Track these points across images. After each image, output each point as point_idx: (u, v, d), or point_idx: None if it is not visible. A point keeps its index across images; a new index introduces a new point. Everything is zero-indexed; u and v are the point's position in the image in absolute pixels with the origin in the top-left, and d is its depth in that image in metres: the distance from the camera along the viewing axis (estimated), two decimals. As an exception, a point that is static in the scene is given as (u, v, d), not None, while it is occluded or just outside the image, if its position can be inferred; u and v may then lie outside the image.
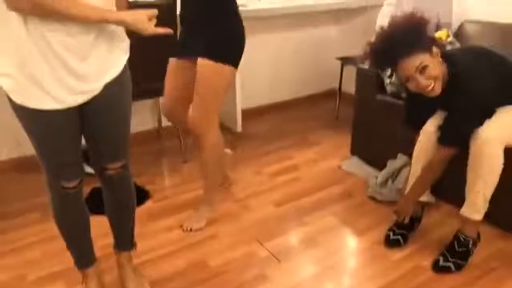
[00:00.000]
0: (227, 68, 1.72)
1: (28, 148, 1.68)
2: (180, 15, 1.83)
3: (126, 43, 1.24)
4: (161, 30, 1.18)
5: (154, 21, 1.16)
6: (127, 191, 1.41)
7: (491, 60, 1.60)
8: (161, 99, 1.96)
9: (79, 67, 1.10)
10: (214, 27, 1.71)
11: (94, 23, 1.08)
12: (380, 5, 2.62)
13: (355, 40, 3.25)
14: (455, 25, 2.51)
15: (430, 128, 1.69)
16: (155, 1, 2.08)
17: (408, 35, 1.50)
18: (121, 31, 1.21)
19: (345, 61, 3.12)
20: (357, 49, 3.12)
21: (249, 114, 3.20)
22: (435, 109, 1.72)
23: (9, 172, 2.43)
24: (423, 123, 1.73)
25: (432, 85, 1.51)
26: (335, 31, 3.53)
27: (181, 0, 1.81)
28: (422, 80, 1.49)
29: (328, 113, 3.36)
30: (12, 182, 2.34)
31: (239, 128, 3.00)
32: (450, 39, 2.19)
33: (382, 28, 1.60)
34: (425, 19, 1.56)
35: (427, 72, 1.49)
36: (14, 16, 1.01)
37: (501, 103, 1.61)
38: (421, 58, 1.49)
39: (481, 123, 1.54)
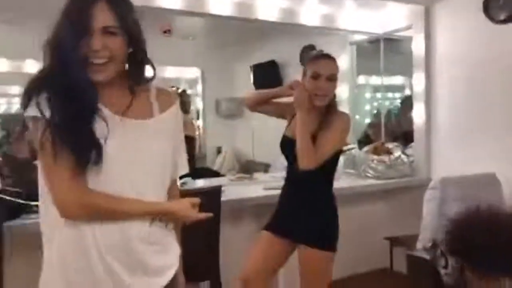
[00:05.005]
0: (331, 255, 1.88)
1: None
2: (281, 194, 2.02)
3: (178, 248, 1.23)
4: (203, 216, 1.19)
5: (197, 208, 1.18)
6: None
7: None
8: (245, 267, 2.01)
9: (130, 279, 1.07)
10: (316, 212, 1.90)
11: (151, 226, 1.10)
12: (426, 186, 2.60)
13: (402, 220, 3.17)
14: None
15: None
16: (203, 187, 2.22)
17: None
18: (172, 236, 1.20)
19: (394, 241, 2.99)
20: (404, 230, 3.05)
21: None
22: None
23: None
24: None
25: None
26: (381, 209, 3.49)
27: (285, 182, 2.03)
28: None
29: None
30: None
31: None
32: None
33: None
34: None
35: None
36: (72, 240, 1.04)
37: None
38: None
39: None
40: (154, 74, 1.17)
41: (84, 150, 0.99)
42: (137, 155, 1.07)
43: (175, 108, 1.20)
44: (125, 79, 1.12)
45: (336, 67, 1.91)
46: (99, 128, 1.02)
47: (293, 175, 1.97)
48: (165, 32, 3.91)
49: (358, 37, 3.84)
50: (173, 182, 1.22)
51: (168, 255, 1.17)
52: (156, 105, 1.15)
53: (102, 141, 1.01)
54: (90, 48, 1.01)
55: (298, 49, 4.39)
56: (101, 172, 1.02)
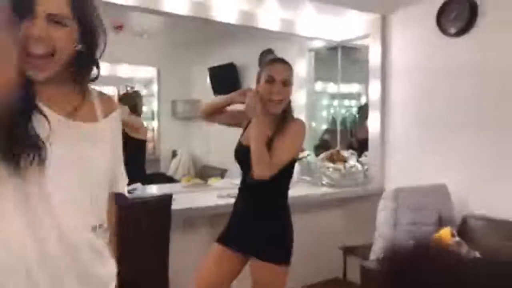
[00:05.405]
0: (285, 268, 1.79)
1: None
2: (235, 204, 1.93)
3: (114, 262, 1.09)
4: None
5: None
6: None
7: None
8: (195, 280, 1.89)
9: None
10: (270, 225, 1.81)
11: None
12: (380, 194, 2.60)
13: (357, 229, 3.17)
14: (457, 220, 2.46)
15: None
16: (152, 195, 2.09)
17: None
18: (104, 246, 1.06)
19: (347, 251, 2.98)
20: (359, 239, 3.04)
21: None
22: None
23: None
24: None
25: None
26: (336, 218, 3.49)
27: (239, 192, 1.93)
28: None
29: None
30: None
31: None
32: (455, 239, 2.10)
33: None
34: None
35: None
36: None
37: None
38: None
39: None
40: (98, 74, 1.05)
41: (24, 151, 0.85)
42: (80, 159, 0.97)
43: (117, 113, 1.11)
44: (67, 76, 0.99)
45: (291, 72, 1.87)
46: (38, 127, 0.88)
47: (247, 185, 1.88)
48: (116, 28, 3.71)
49: (317, 44, 3.83)
50: (110, 194, 1.11)
51: (108, 268, 1.07)
52: (99, 109, 1.05)
53: (41, 142, 0.88)
54: (29, 35, 0.86)
55: (257, 53, 4.33)
56: (42, 174, 0.90)
